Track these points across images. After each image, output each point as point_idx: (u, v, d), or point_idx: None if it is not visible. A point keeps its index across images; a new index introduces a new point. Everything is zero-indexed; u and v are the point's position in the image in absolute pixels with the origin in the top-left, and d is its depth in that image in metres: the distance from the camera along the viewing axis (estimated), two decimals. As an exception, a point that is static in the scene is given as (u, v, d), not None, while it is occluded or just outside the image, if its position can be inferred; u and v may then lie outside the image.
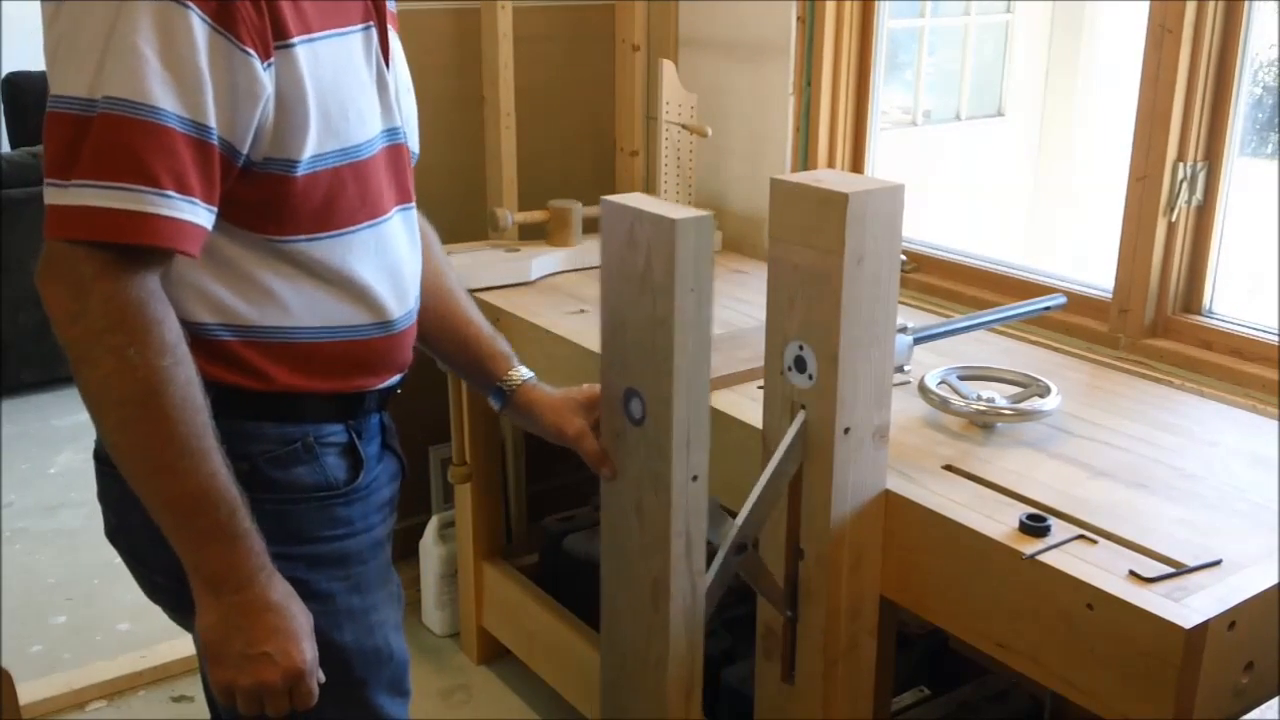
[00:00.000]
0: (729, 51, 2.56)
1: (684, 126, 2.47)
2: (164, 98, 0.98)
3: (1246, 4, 1.79)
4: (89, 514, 3.15)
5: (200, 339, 1.11)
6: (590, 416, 1.38)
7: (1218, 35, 1.81)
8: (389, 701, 1.28)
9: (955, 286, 2.23)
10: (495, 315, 2.10)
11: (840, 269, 1.28)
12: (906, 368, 1.67)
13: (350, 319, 1.19)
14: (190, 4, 0.99)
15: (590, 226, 2.49)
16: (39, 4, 1.03)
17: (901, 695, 1.88)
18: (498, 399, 1.42)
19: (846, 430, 1.36)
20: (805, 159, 2.45)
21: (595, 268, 2.37)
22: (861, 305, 1.32)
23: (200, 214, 1.03)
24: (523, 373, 1.42)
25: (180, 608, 1.18)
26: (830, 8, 2.36)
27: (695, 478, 1.29)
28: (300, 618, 1.11)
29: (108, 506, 1.25)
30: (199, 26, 1.00)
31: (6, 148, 4.89)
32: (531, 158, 2.60)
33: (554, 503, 2.54)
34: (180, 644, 2.41)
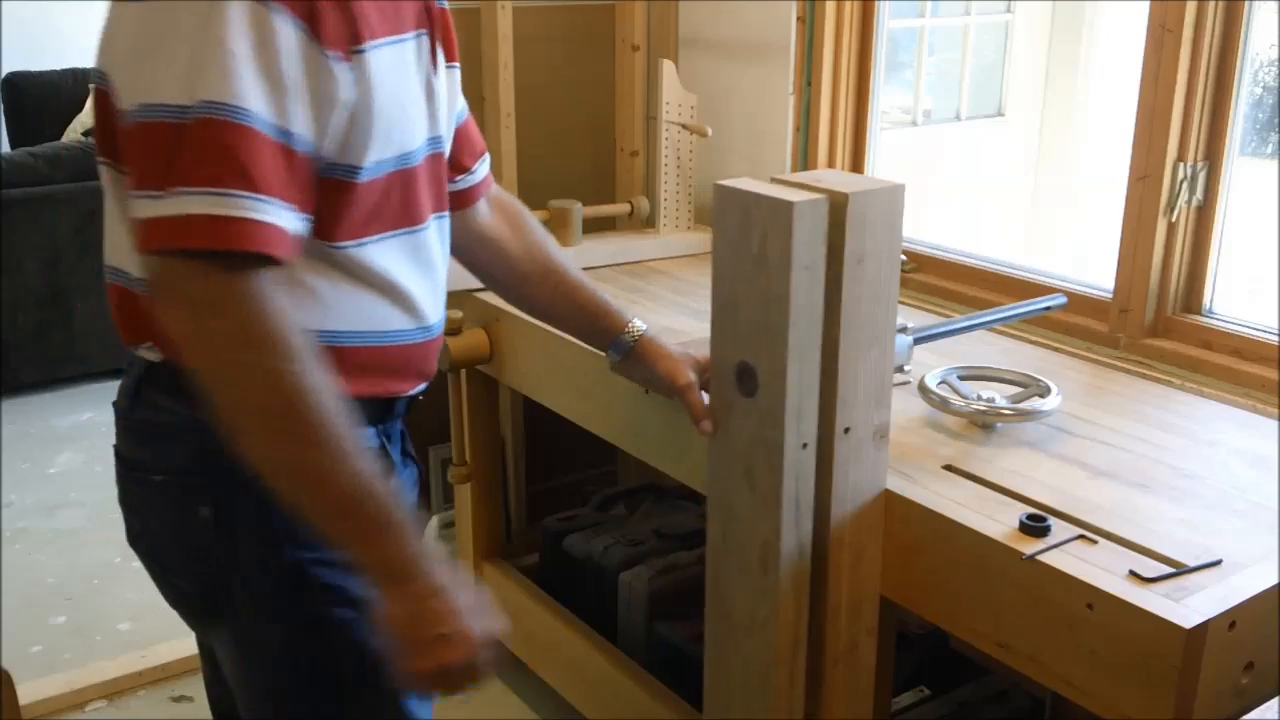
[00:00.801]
0: (729, 51, 2.56)
1: (684, 126, 2.47)
2: (261, 102, 0.96)
3: (1246, 4, 1.79)
4: (89, 514, 3.15)
5: None
6: (701, 376, 1.46)
7: (1218, 35, 1.81)
8: (418, 705, 1.28)
9: (955, 286, 2.23)
10: (496, 315, 2.10)
11: (839, 269, 1.29)
12: (906, 368, 1.67)
13: (391, 324, 1.19)
14: (282, 6, 0.97)
15: (590, 227, 2.49)
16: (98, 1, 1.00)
17: (901, 695, 1.88)
18: (618, 351, 1.49)
19: (846, 430, 1.36)
20: (805, 159, 2.45)
21: (595, 268, 2.38)
22: (861, 305, 1.32)
23: (299, 222, 1.02)
24: (639, 325, 1.49)
25: (201, 614, 1.18)
26: (830, 8, 2.36)
27: (805, 445, 1.35)
28: (464, 596, 1.08)
29: (131, 511, 1.23)
30: (291, 30, 0.98)
31: (6, 148, 4.89)
32: (531, 158, 2.60)
33: (554, 503, 2.54)
34: (180, 644, 2.41)
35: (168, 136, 0.95)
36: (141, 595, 2.73)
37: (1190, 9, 1.79)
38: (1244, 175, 1.97)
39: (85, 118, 4.91)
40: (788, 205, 1.25)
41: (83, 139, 4.16)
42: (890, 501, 1.43)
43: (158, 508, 1.12)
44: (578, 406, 1.93)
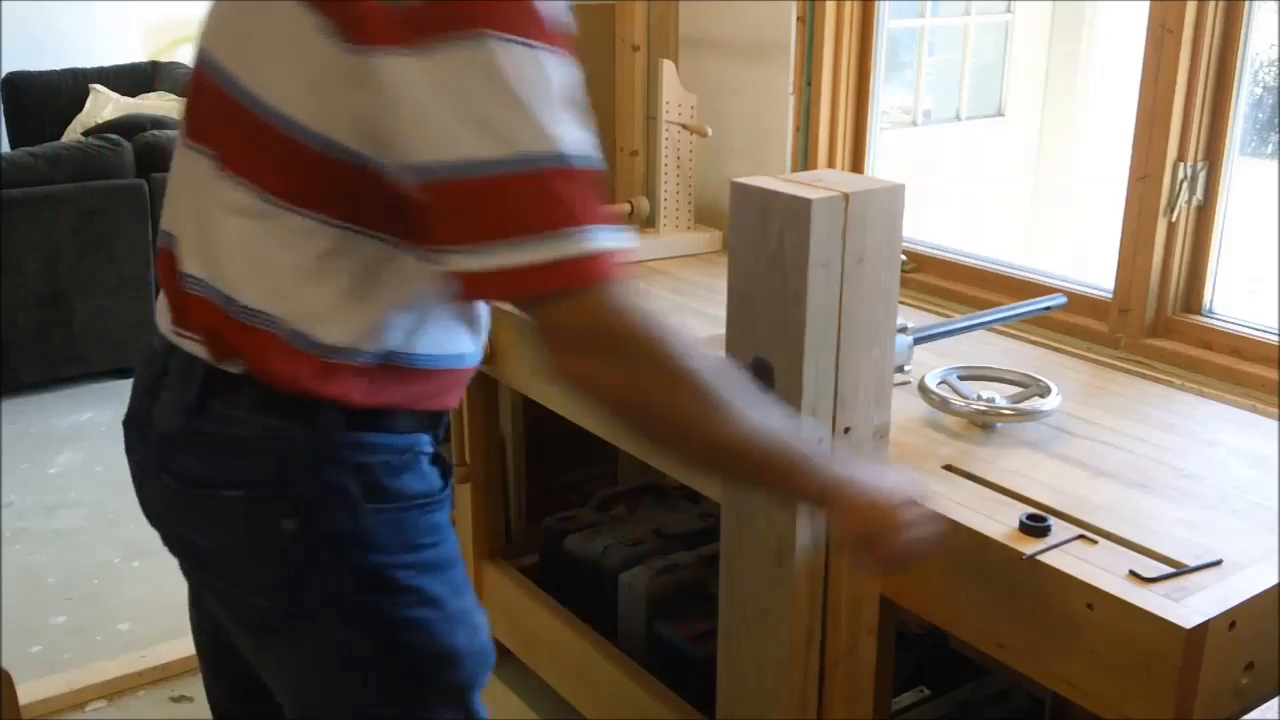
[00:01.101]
0: (729, 51, 2.56)
1: (684, 126, 2.47)
2: (571, 142, 0.96)
3: (1246, 4, 1.79)
4: (89, 514, 3.15)
5: (337, 363, 1.10)
6: None
7: (1218, 35, 1.81)
8: (480, 706, 1.29)
9: (955, 286, 2.23)
10: (496, 315, 2.10)
11: (840, 269, 1.29)
12: (906, 368, 1.67)
13: (465, 348, 1.21)
14: (557, 48, 0.97)
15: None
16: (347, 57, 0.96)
17: (901, 695, 1.88)
18: None
19: (846, 430, 1.36)
20: (805, 159, 2.45)
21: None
22: (861, 305, 1.32)
23: (622, 236, 1.03)
24: None
25: (272, 628, 1.16)
26: (830, 8, 2.36)
27: (820, 440, 1.34)
28: (890, 487, 1.16)
29: (199, 530, 1.17)
30: (570, 69, 0.99)
31: (6, 148, 4.89)
32: (531, 158, 2.59)
33: (554, 503, 2.53)
34: (180, 644, 2.40)
35: (492, 189, 0.94)
36: (141, 595, 2.73)
37: (1190, 9, 1.79)
38: (1244, 175, 1.97)
39: (85, 118, 4.91)
40: (806, 202, 1.26)
41: (83, 139, 4.16)
42: (890, 501, 1.43)
43: (232, 524, 1.10)
44: (578, 406, 1.93)
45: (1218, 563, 1.25)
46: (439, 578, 1.19)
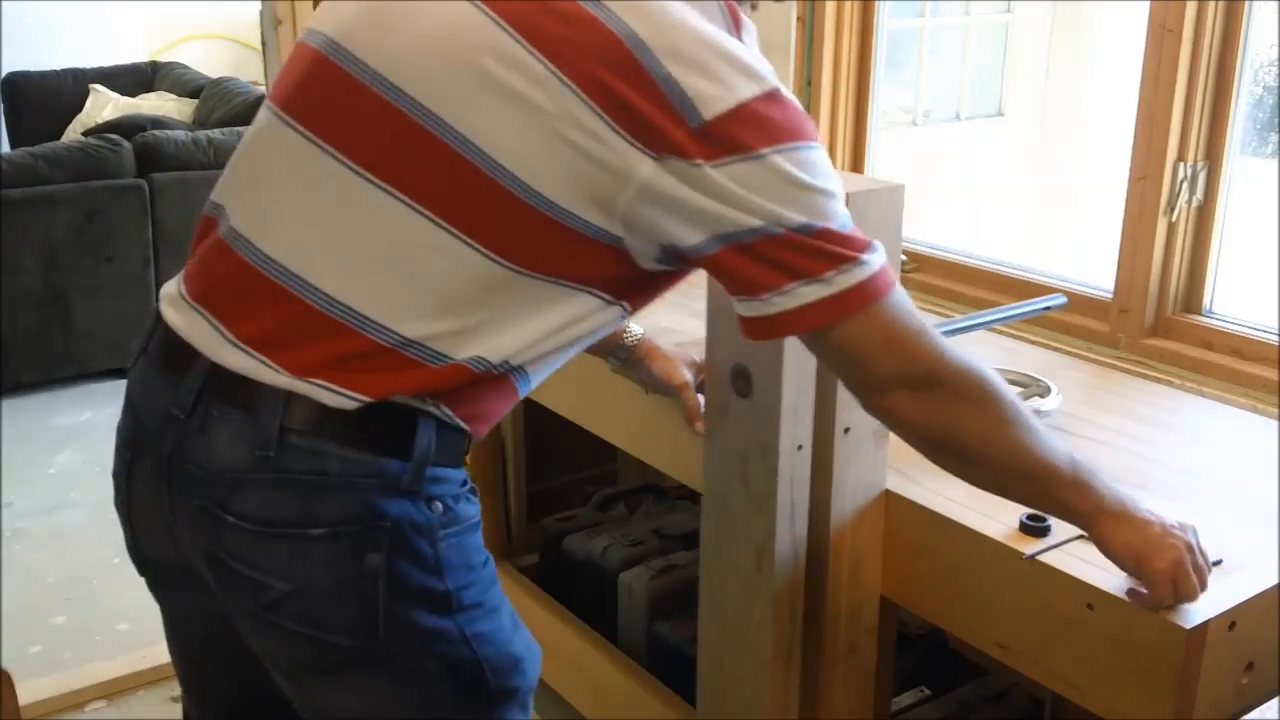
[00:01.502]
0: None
1: (684, 126, 2.47)
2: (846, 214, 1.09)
3: (1246, 4, 1.79)
4: (89, 514, 3.15)
5: (478, 384, 1.11)
6: (696, 376, 1.51)
7: (1218, 35, 1.81)
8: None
9: (955, 286, 2.23)
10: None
11: (840, 269, 1.29)
12: (907, 368, 1.67)
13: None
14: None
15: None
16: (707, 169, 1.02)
17: (901, 695, 1.87)
18: (617, 357, 1.57)
19: (846, 430, 1.36)
20: (805, 159, 2.44)
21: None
22: (861, 305, 1.32)
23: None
24: (636, 330, 1.56)
25: (346, 664, 1.13)
26: (830, 8, 2.36)
27: (800, 447, 1.35)
28: (1160, 517, 1.18)
29: (280, 575, 1.09)
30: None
31: (7, 148, 4.89)
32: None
33: (554, 503, 2.53)
34: (180, 644, 2.41)
35: (796, 246, 1.04)
36: (141, 595, 2.73)
37: (1190, 9, 1.79)
38: (1244, 175, 1.97)
39: (85, 118, 4.91)
40: None
41: (83, 139, 4.16)
42: (890, 501, 1.43)
43: (315, 564, 1.07)
44: (578, 406, 1.93)
45: (1218, 563, 1.25)
46: (493, 589, 1.20)
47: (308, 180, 1.09)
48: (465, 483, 1.18)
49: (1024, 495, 1.20)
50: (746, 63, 1.03)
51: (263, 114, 1.16)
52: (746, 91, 1.01)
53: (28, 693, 2.28)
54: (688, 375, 1.51)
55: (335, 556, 1.08)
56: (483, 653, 1.16)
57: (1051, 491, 1.15)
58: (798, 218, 1.03)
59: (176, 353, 1.12)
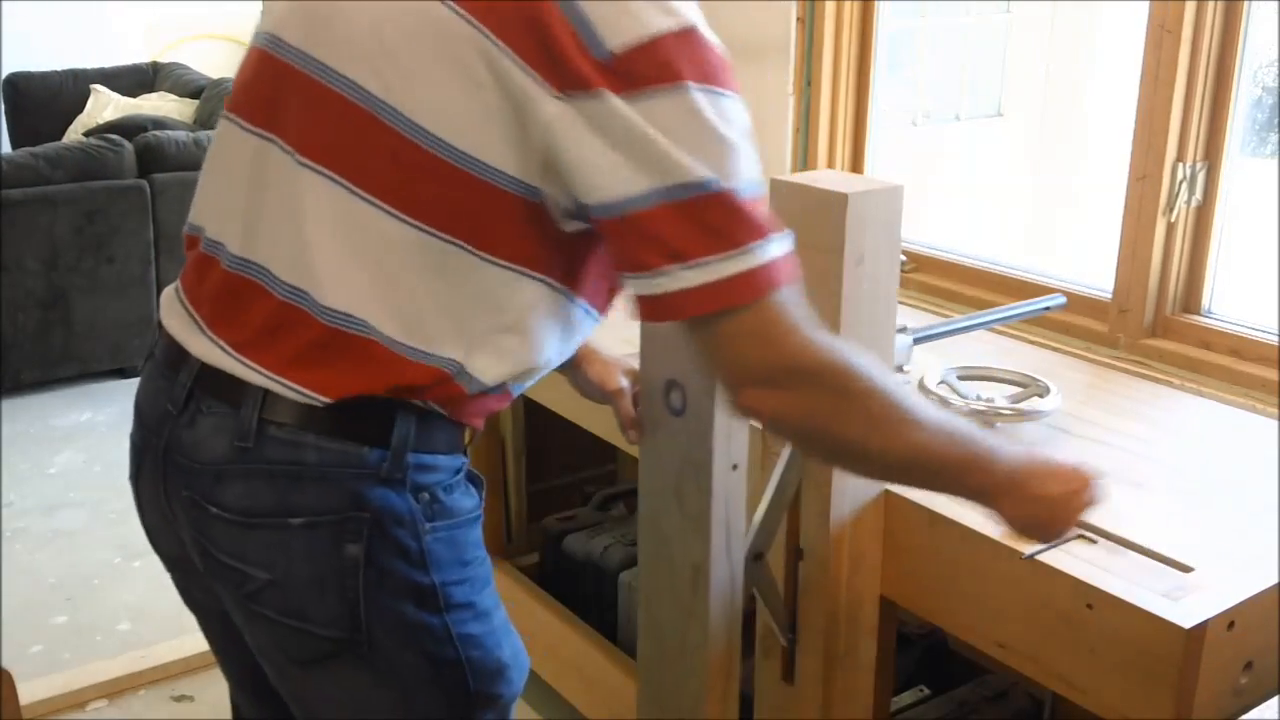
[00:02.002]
0: (728, 51, 2.55)
1: (684, 126, 2.47)
2: (755, 174, 1.04)
3: (1246, 4, 1.80)
4: (89, 514, 3.15)
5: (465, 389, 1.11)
6: (633, 384, 1.43)
7: (1217, 35, 1.81)
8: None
9: (955, 286, 2.23)
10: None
11: (840, 269, 1.29)
12: (906, 368, 1.67)
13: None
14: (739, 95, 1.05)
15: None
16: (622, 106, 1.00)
17: (901, 695, 1.88)
18: None
19: (846, 430, 1.36)
20: (805, 159, 2.45)
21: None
22: (861, 305, 1.32)
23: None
24: None
25: (328, 656, 1.14)
26: (830, 8, 2.36)
27: (735, 466, 1.32)
28: (1050, 470, 1.14)
29: (261, 565, 1.11)
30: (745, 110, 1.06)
31: (7, 148, 4.89)
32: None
33: (554, 503, 2.53)
34: (180, 644, 2.41)
35: (697, 211, 1.00)
36: (141, 595, 2.74)
37: (1190, 9, 1.79)
38: (1244, 175, 1.97)
39: (86, 118, 4.91)
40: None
41: (83, 139, 4.16)
42: (890, 502, 1.43)
43: (295, 554, 1.08)
44: (577, 406, 1.93)
45: (1218, 564, 1.25)
46: (485, 591, 1.20)
47: (255, 172, 1.12)
48: (459, 471, 1.17)
49: (916, 485, 1.20)
50: None
51: (219, 122, 1.19)
52: (659, 25, 0.99)
53: (28, 692, 2.28)
54: (624, 382, 1.44)
55: (315, 547, 1.09)
56: (467, 654, 1.16)
57: (941, 479, 1.12)
58: (702, 171, 0.98)
59: (172, 354, 1.15)
